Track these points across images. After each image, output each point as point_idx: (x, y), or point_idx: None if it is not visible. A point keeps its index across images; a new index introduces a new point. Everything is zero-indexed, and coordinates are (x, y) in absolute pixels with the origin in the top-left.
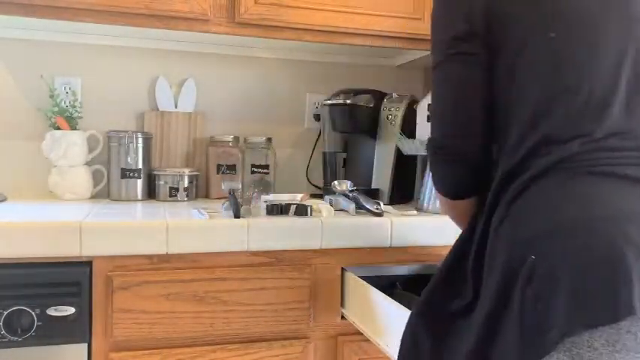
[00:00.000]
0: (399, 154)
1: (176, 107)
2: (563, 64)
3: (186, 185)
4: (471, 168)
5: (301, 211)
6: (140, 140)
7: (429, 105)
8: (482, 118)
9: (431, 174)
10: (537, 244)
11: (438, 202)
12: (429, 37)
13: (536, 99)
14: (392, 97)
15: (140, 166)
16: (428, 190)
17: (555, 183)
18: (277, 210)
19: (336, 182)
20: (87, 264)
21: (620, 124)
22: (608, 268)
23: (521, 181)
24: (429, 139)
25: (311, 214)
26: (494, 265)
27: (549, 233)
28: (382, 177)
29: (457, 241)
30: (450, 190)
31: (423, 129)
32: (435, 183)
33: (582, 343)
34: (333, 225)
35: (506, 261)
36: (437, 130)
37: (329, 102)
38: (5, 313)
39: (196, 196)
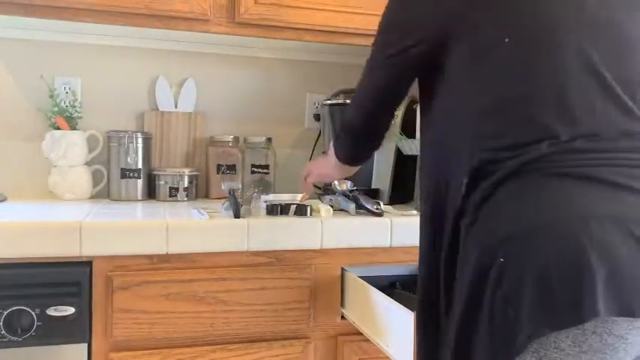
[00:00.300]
0: (399, 154)
1: (176, 107)
2: (523, 68)
3: (186, 185)
4: (374, 149)
5: (301, 211)
6: (140, 140)
7: None
8: (392, 118)
9: (339, 145)
10: (505, 246)
11: None
12: None
13: (498, 102)
14: None
15: (140, 166)
16: None
17: (524, 185)
18: (277, 210)
19: (336, 182)
20: (87, 264)
21: (585, 127)
22: (573, 270)
23: (489, 184)
24: (344, 119)
25: (311, 214)
26: (465, 270)
27: (517, 235)
28: (382, 177)
29: (425, 253)
30: (352, 160)
31: None
32: (342, 154)
33: (549, 345)
34: (333, 225)
35: (477, 264)
36: (353, 118)
37: (329, 102)
38: (5, 313)
39: (196, 196)
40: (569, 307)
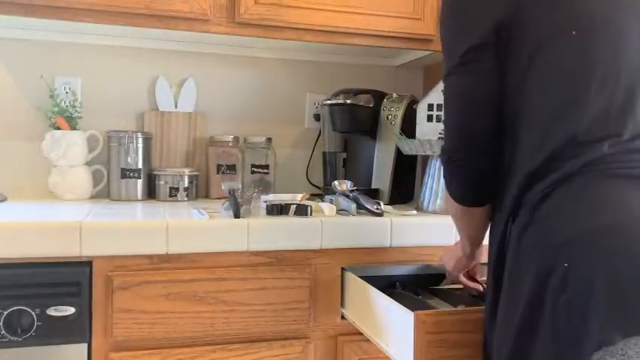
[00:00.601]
0: (399, 154)
1: (176, 107)
2: (587, 63)
3: (186, 185)
4: (482, 176)
5: (301, 211)
6: (140, 140)
7: (429, 105)
8: (491, 128)
9: (444, 180)
10: (570, 250)
11: (438, 202)
12: (429, 37)
13: (559, 100)
14: (392, 97)
15: (140, 166)
16: (428, 190)
17: (583, 186)
18: (277, 210)
19: (336, 182)
20: (87, 264)
21: None
22: None
23: (546, 185)
24: (442, 149)
25: (311, 214)
26: (521, 274)
27: (582, 238)
28: (382, 177)
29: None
30: (464, 196)
31: (423, 129)
32: (449, 190)
33: (616, 351)
34: (333, 225)
35: (537, 269)
36: (448, 141)
37: (329, 102)
38: (5, 313)
39: (196, 196)
40: None
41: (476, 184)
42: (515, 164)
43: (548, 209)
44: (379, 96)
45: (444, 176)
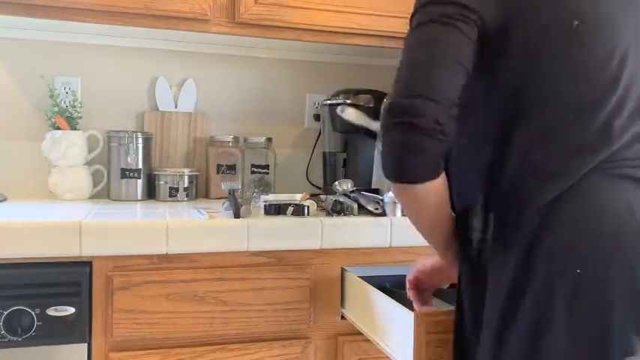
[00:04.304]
0: None
1: (176, 107)
2: (592, 63)
3: (186, 185)
4: (430, 138)
5: (300, 211)
6: (140, 140)
7: None
8: (457, 88)
9: (382, 151)
10: (584, 255)
11: None
12: None
13: (571, 98)
14: None
15: (140, 166)
16: None
17: (597, 187)
18: (276, 210)
19: (337, 182)
20: (87, 264)
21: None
22: None
23: (558, 186)
24: (388, 104)
25: (308, 214)
26: (530, 279)
27: (597, 242)
28: (382, 177)
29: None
30: (401, 168)
31: None
32: (385, 161)
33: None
34: (333, 225)
35: (547, 275)
36: (401, 91)
37: (329, 102)
38: (5, 313)
39: (196, 196)
40: None
41: (417, 150)
42: (511, 162)
43: (561, 212)
44: (379, 96)
45: (382, 143)
